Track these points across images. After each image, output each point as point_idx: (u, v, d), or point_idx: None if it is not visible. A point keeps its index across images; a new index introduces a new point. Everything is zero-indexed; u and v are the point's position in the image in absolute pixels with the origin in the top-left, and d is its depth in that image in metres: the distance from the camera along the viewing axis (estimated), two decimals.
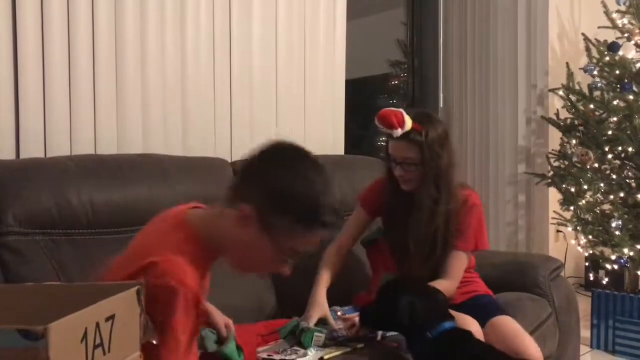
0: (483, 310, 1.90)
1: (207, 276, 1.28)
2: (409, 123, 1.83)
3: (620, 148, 3.24)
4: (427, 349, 1.57)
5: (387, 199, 2.01)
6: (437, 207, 1.90)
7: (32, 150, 1.97)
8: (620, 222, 3.17)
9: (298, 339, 1.68)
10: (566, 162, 3.44)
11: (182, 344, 1.06)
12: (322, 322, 1.83)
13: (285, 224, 1.16)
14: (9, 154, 1.94)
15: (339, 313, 1.91)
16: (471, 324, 1.75)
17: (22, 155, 1.96)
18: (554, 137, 3.66)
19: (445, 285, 1.91)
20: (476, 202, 1.99)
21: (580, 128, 3.43)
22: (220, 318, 1.46)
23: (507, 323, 1.86)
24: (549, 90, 3.65)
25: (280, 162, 1.21)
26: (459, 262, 1.96)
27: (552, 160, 3.55)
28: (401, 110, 1.85)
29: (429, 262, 1.93)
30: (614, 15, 3.37)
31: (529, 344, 1.80)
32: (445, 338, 1.57)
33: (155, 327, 0.98)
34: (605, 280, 3.54)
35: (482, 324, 1.83)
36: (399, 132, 1.82)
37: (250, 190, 1.17)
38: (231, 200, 1.18)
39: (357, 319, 1.77)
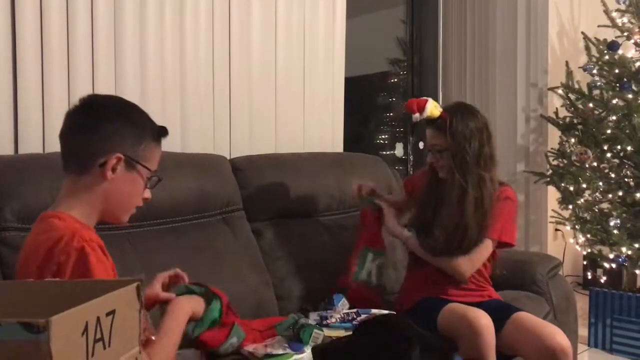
0: (501, 310, 1.93)
1: None
2: (433, 111, 1.96)
3: (619, 147, 3.24)
4: None
5: (424, 184, 2.09)
6: (466, 195, 1.94)
7: (30, 146, 1.97)
8: (618, 221, 3.17)
9: (297, 334, 1.68)
10: (565, 161, 3.44)
11: None
12: (320, 322, 1.85)
13: (144, 150, 1.30)
14: (7, 150, 1.94)
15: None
16: (482, 317, 1.78)
17: (21, 151, 1.96)
18: (553, 136, 3.66)
19: (462, 261, 1.97)
20: (510, 196, 2.06)
21: (579, 127, 3.44)
22: (156, 285, 1.49)
23: (528, 317, 1.90)
24: (549, 89, 3.66)
25: (108, 108, 1.32)
26: (481, 247, 1.99)
27: (551, 158, 3.56)
28: (428, 98, 1.98)
29: (455, 250, 1.97)
30: (614, 14, 3.37)
31: (556, 332, 1.83)
32: None
33: None
34: (603, 279, 3.55)
35: (502, 322, 1.86)
36: (417, 116, 1.96)
37: (102, 144, 1.26)
38: (84, 165, 1.26)
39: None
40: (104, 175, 1.25)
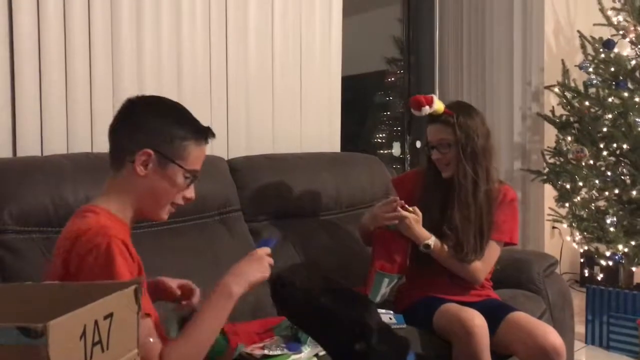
0: (497, 310, 1.94)
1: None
2: (439, 106, 1.98)
3: (615, 145, 3.25)
4: None
5: (425, 186, 2.07)
6: (477, 187, 1.96)
7: (28, 148, 1.97)
8: (614, 219, 3.18)
9: (295, 334, 1.69)
10: (561, 159, 3.45)
11: None
12: None
13: (179, 148, 1.29)
14: (5, 153, 1.94)
15: None
16: (475, 317, 1.79)
17: (19, 154, 1.96)
18: (550, 134, 3.67)
19: (478, 265, 1.98)
20: (514, 197, 2.08)
21: (576, 125, 3.45)
22: (174, 282, 1.48)
23: (522, 316, 1.91)
24: (545, 87, 3.67)
25: (144, 105, 1.33)
26: (494, 251, 2.02)
27: (547, 156, 3.57)
28: (433, 95, 2.00)
29: (479, 252, 1.97)
30: (609, 13, 3.38)
31: (549, 332, 1.85)
32: None
33: None
34: (600, 277, 3.56)
35: (497, 322, 1.87)
36: (427, 109, 1.96)
37: (134, 140, 1.28)
38: (120, 161, 1.30)
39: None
40: (136, 171, 1.27)
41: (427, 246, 1.97)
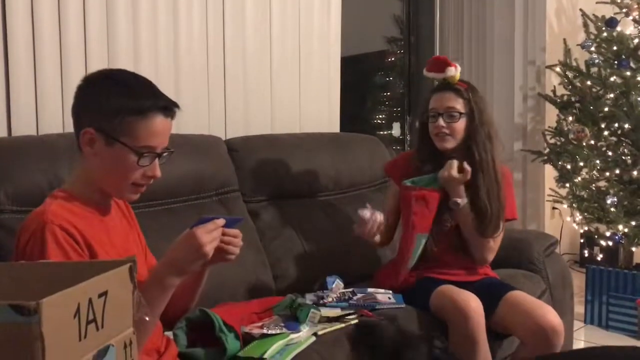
0: (495, 289, 1.94)
1: (111, 214, 1.34)
2: (458, 74, 1.95)
3: (616, 125, 3.23)
4: None
5: (418, 167, 2.00)
6: (495, 161, 1.94)
7: (24, 127, 1.95)
8: (615, 199, 3.18)
9: (294, 314, 1.68)
10: (562, 139, 3.44)
11: None
12: (317, 302, 1.86)
13: (121, 124, 1.21)
14: (0, 132, 1.92)
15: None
16: (471, 300, 1.78)
17: (14, 133, 1.94)
18: (551, 114, 3.65)
19: (491, 244, 1.99)
20: (510, 174, 2.08)
21: (577, 105, 3.43)
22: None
23: (521, 296, 1.91)
24: (546, 67, 3.64)
25: (93, 82, 1.28)
26: (500, 232, 2.01)
27: (548, 137, 3.55)
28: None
29: (490, 220, 1.94)
30: None
31: (547, 311, 1.84)
32: None
33: None
34: (599, 257, 3.56)
35: (496, 301, 1.86)
36: (452, 70, 1.93)
37: (82, 119, 1.24)
38: (78, 141, 1.25)
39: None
40: (83, 151, 1.24)
41: (456, 204, 1.92)
